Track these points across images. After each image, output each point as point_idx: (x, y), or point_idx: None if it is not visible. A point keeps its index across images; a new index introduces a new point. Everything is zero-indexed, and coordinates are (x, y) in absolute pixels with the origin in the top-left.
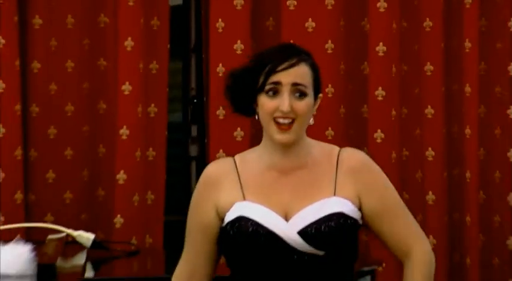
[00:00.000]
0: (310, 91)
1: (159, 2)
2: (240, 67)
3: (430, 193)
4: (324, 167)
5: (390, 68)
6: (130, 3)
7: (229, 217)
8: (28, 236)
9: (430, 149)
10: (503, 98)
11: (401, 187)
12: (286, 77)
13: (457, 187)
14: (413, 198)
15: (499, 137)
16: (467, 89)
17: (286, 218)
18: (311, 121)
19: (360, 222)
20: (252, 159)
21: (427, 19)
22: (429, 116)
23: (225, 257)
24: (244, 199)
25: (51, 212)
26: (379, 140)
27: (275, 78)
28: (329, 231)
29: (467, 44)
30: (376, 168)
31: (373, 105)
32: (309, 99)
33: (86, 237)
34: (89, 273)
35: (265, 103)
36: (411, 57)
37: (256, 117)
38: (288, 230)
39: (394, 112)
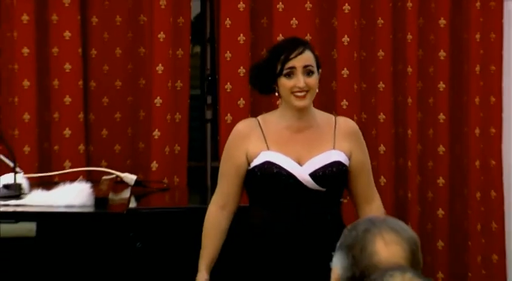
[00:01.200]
0: (315, 69)
1: (183, 5)
2: (258, 62)
3: (382, 145)
4: (325, 128)
5: (353, 54)
6: (162, 6)
7: (256, 161)
8: (88, 177)
9: (381, 113)
10: (435, 76)
11: None
12: (298, 62)
13: (401, 142)
14: (370, 149)
15: (433, 74)
16: (409, 69)
17: (300, 164)
18: (317, 89)
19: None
20: (272, 120)
21: (380, 18)
22: (381, 89)
23: (248, 192)
24: (268, 149)
25: (104, 159)
26: (344, 107)
27: (290, 64)
28: (331, 174)
29: (409, 36)
30: (362, 137)
31: (340, 81)
32: (315, 75)
33: (130, 178)
34: (132, 204)
35: (285, 83)
36: (368, 45)
37: (277, 94)
38: (302, 173)
39: (355, 86)
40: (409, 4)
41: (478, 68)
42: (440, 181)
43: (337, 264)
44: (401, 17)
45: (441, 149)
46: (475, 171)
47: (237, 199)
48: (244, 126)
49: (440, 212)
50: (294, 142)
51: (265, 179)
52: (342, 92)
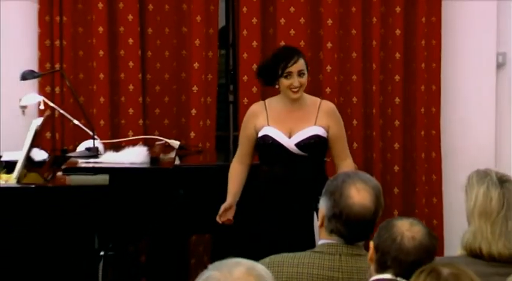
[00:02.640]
0: (305, 71)
1: (213, 19)
2: (265, 62)
3: (354, 120)
4: (311, 109)
5: (334, 55)
6: (198, 20)
7: (260, 134)
8: (145, 143)
9: (354, 97)
10: (393, 71)
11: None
12: (294, 68)
13: (368, 118)
14: (345, 123)
15: (391, 69)
16: (374, 65)
17: (289, 136)
18: (306, 84)
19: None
20: (273, 104)
21: (353, 29)
22: (354, 80)
23: (258, 153)
24: (268, 125)
25: (157, 130)
26: (328, 93)
27: (288, 70)
28: (310, 144)
29: (374, 42)
30: (339, 115)
31: (325, 74)
32: (305, 76)
33: (175, 143)
34: (177, 162)
35: (284, 82)
36: (345, 49)
37: (277, 86)
38: (290, 143)
39: (335, 78)
40: (374, 19)
41: (423, 65)
42: (396, 145)
43: (323, 206)
44: (368, 28)
45: (396, 123)
46: (420, 138)
47: (250, 157)
48: (254, 107)
49: (396, 168)
50: (287, 119)
51: (264, 147)
52: (326, 82)
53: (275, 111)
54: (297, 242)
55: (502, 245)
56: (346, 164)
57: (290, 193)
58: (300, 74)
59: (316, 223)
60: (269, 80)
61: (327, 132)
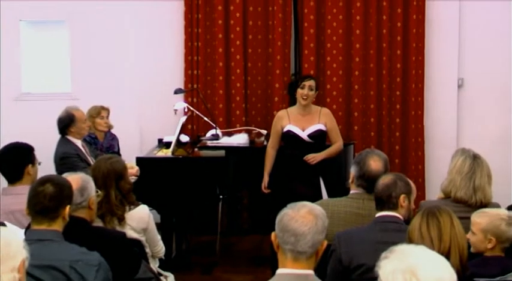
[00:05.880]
0: (314, 88)
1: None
2: (292, 80)
3: (372, 118)
4: (315, 113)
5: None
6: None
7: (284, 129)
8: (246, 131)
9: (330, 91)
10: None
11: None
12: (306, 83)
13: (380, 120)
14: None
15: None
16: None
17: (303, 130)
18: (313, 98)
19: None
20: (292, 110)
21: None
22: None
23: (282, 142)
24: (290, 123)
25: (253, 124)
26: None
27: (303, 83)
28: (317, 135)
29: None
30: (332, 116)
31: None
32: (314, 92)
33: (263, 132)
34: (264, 143)
35: (300, 91)
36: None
37: (296, 95)
38: (304, 135)
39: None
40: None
41: (413, 85)
42: (397, 134)
43: (353, 170)
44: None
45: (397, 120)
46: (411, 130)
47: (278, 144)
48: (280, 113)
49: (397, 147)
50: (301, 120)
51: (288, 138)
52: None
53: (293, 115)
54: (309, 196)
55: (464, 193)
56: (338, 145)
57: (304, 166)
58: (310, 89)
59: (322, 183)
60: (292, 90)
61: (325, 126)
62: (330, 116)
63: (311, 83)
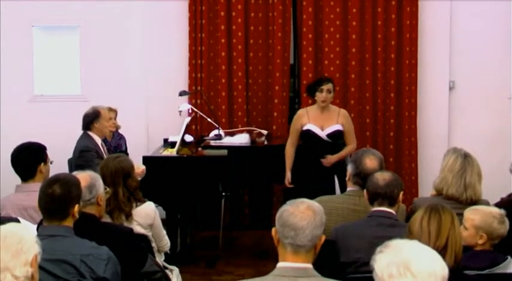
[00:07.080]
0: (332, 91)
1: (286, 61)
2: (311, 83)
3: (367, 119)
4: (334, 114)
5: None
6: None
7: (304, 128)
8: (247, 131)
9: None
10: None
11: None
12: (325, 87)
13: (375, 121)
14: (356, 119)
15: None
16: (367, 69)
17: (322, 130)
18: (332, 99)
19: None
20: (311, 110)
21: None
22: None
23: (301, 141)
24: (309, 122)
25: (254, 124)
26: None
27: (321, 87)
28: (335, 135)
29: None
30: (350, 118)
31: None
32: (332, 94)
33: (264, 132)
34: (266, 142)
35: (319, 95)
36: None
37: (315, 97)
38: (323, 134)
39: (352, 89)
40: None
41: (407, 88)
42: (391, 134)
43: (349, 168)
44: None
45: (391, 121)
46: (405, 130)
47: (297, 142)
48: (300, 112)
49: (391, 146)
50: (320, 119)
51: (307, 136)
52: (352, 92)
53: (313, 114)
54: (325, 191)
55: (455, 190)
56: (351, 147)
57: (321, 164)
58: (328, 92)
59: (336, 180)
60: (311, 93)
61: (343, 127)
62: (348, 118)
63: (329, 86)
